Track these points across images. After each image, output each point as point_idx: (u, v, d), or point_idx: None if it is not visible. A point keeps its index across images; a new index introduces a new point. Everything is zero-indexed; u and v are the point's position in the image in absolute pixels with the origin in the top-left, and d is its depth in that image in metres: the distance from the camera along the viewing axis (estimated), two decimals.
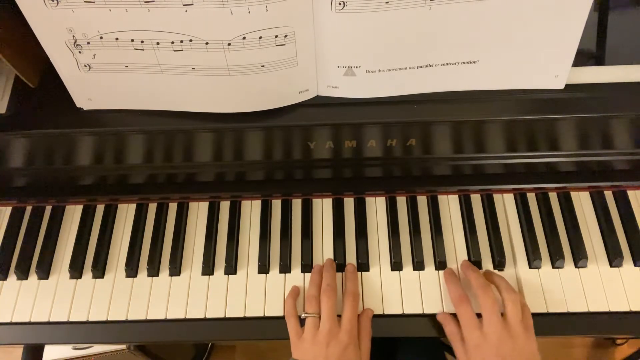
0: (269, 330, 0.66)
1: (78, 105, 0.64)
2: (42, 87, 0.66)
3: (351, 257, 0.70)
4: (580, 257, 0.68)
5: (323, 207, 0.74)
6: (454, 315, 0.64)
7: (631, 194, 0.74)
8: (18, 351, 0.83)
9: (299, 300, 0.67)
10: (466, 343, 0.60)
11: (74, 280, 0.71)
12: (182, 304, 0.68)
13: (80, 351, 0.89)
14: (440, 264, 0.69)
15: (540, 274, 0.68)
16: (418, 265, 0.69)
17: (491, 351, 0.57)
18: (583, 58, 0.65)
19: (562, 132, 0.65)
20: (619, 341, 1.37)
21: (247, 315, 0.67)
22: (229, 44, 0.54)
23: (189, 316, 0.67)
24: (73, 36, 0.56)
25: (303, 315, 0.64)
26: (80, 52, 0.57)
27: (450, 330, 0.63)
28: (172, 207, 0.75)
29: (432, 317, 0.66)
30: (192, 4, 0.51)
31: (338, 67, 0.59)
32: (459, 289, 0.64)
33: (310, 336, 0.61)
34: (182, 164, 0.71)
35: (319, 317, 0.63)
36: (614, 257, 0.68)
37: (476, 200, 0.74)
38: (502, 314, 0.60)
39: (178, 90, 0.60)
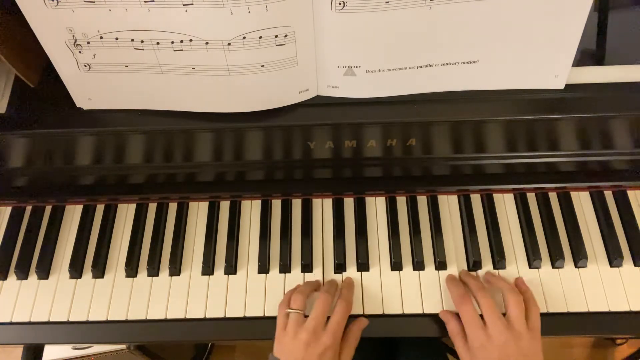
0: (269, 330, 0.66)
1: (78, 105, 0.64)
2: (42, 87, 0.66)
3: (351, 257, 0.70)
4: (580, 257, 0.68)
5: (323, 207, 0.74)
6: (456, 314, 0.63)
7: (631, 194, 0.74)
8: (18, 351, 0.83)
9: None
10: (470, 342, 0.60)
11: (73, 280, 0.71)
12: (182, 303, 0.68)
13: (80, 351, 0.89)
14: (440, 264, 0.69)
15: (540, 274, 0.68)
16: (418, 265, 0.69)
17: (496, 351, 0.57)
18: (583, 58, 0.65)
19: (562, 132, 0.65)
20: (619, 341, 1.37)
21: (247, 315, 0.67)
22: (229, 44, 0.54)
23: (189, 316, 0.67)
24: (73, 36, 0.56)
25: (287, 310, 0.62)
26: (80, 52, 0.57)
27: (452, 328, 0.63)
28: (172, 207, 0.75)
29: (432, 317, 0.66)
30: (192, 4, 0.51)
31: (338, 67, 0.59)
32: (461, 289, 0.64)
33: (292, 332, 0.59)
34: (182, 164, 0.71)
35: (304, 316, 0.61)
36: (614, 257, 0.68)
37: (476, 200, 0.74)
38: (505, 314, 0.60)
39: (178, 90, 0.60)
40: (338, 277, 0.69)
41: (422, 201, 0.74)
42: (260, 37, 0.54)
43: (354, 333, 0.63)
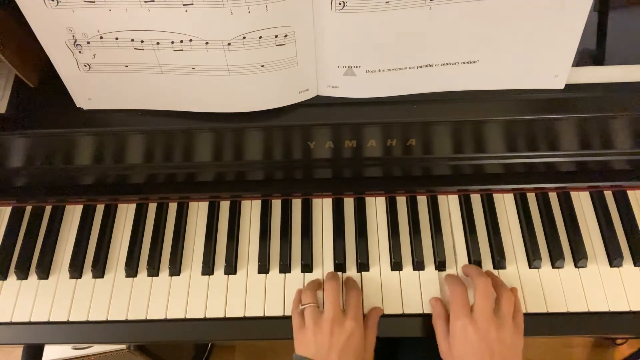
0: (269, 330, 0.66)
1: (78, 105, 0.64)
2: (42, 87, 0.66)
3: (351, 257, 0.70)
4: (580, 257, 0.68)
5: (323, 207, 0.74)
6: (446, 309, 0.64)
7: (631, 194, 0.74)
8: (18, 351, 0.83)
9: None
10: (452, 325, 0.60)
11: (73, 280, 0.71)
12: (182, 303, 0.68)
13: (80, 351, 0.89)
14: (440, 264, 0.69)
15: (540, 274, 0.68)
16: (418, 265, 0.69)
17: (477, 335, 0.57)
18: (583, 58, 0.65)
19: (561, 132, 0.65)
20: (619, 341, 1.37)
21: (247, 315, 0.67)
22: (229, 44, 0.54)
23: (189, 316, 0.67)
24: (73, 36, 0.56)
25: (301, 307, 0.62)
26: (80, 52, 0.57)
27: (438, 312, 0.63)
28: (172, 207, 0.75)
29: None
30: (192, 4, 0.51)
31: (338, 67, 0.59)
32: (459, 278, 0.65)
33: (312, 324, 0.59)
34: (182, 164, 0.71)
35: (318, 307, 0.61)
36: (614, 257, 0.68)
37: (476, 200, 0.74)
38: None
39: (178, 90, 0.60)
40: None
41: (422, 201, 0.74)
42: (260, 37, 0.54)
43: (373, 320, 0.64)
